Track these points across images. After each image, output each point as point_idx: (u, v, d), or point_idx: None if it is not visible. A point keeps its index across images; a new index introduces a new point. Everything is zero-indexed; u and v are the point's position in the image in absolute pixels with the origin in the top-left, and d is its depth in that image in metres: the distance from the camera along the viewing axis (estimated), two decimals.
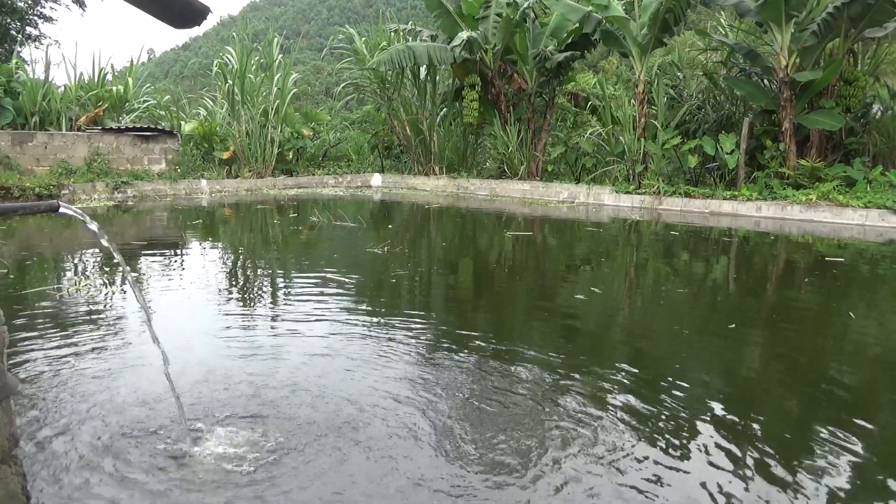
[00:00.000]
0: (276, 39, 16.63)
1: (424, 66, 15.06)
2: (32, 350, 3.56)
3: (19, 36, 20.87)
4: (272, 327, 4.20)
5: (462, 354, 3.58)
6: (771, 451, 2.51)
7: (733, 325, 4.40)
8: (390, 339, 3.85)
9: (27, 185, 11.22)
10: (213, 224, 10.04)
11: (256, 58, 16.18)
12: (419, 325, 4.23)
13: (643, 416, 2.81)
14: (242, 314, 4.57)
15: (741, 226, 9.68)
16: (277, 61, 16.29)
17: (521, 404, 2.90)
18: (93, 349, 3.60)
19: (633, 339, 4.23)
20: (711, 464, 2.41)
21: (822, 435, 2.65)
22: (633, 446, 2.53)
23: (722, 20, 13.97)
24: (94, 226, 2.10)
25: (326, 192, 14.95)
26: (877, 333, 4.36)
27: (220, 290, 5.30)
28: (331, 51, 20.40)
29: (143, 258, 6.63)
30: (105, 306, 4.66)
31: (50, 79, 14.24)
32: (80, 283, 5.35)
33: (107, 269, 6.01)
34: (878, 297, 5.46)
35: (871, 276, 6.35)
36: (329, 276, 5.79)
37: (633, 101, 13.06)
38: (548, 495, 2.17)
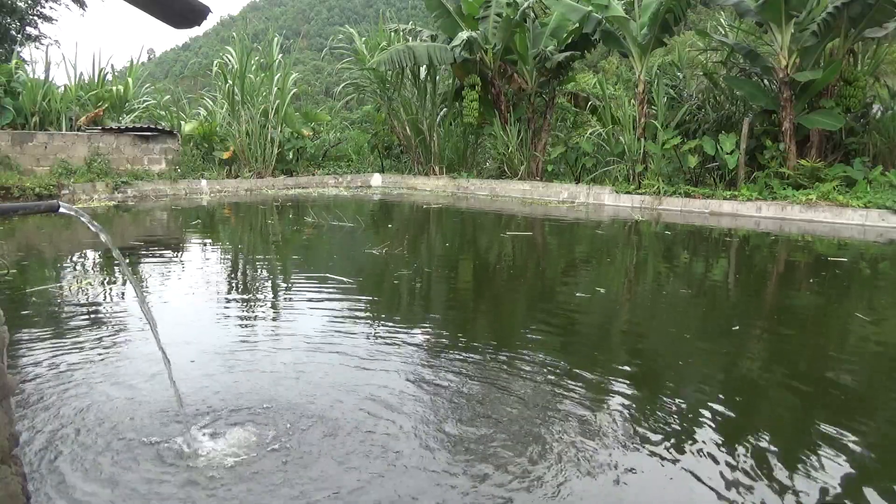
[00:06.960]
0: (276, 39, 16.63)
1: (424, 66, 15.06)
2: (33, 349, 3.56)
3: (19, 36, 20.86)
4: (270, 328, 4.20)
5: (462, 354, 3.58)
6: (772, 451, 2.51)
7: (737, 327, 4.40)
8: (387, 341, 3.85)
9: (27, 185, 11.21)
10: (212, 224, 10.04)
11: (256, 58, 16.18)
12: (418, 327, 4.22)
13: (643, 415, 2.80)
14: (240, 315, 4.57)
15: (741, 226, 9.67)
16: (277, 61, 16.28)
17: (521, 403, 2.90)
18: (92, 348, 3.60)
19: (635, 339, 4.23)
20: (711, 462, 2.42)
21: (824, 435, 2.65)
22: (633, 445, 2.52)
23: (722, 20, 13.96)
24: (94, 226, 2.10)
25: (326, 193, 14.94)
26: (881, 333, 4.36)
27: (217, 291, 5.30)
28: (331, 51, 20.39)
29: (143, 258, 6.62)
30: (105, 305, 4.65)
31: (50, 79, 14.24)
32: (80, 283, 5.34)
33: (107, 268, 6.01)
34: (883, 298, 5.45)
35: (874, 277, 6.35)
36: (327, 277, 5.79)
37: (633, 101, 13.06)
38: (546, 493, 2.17)
